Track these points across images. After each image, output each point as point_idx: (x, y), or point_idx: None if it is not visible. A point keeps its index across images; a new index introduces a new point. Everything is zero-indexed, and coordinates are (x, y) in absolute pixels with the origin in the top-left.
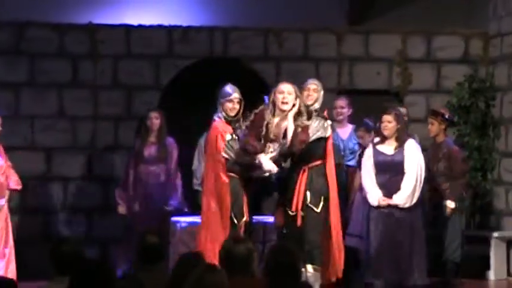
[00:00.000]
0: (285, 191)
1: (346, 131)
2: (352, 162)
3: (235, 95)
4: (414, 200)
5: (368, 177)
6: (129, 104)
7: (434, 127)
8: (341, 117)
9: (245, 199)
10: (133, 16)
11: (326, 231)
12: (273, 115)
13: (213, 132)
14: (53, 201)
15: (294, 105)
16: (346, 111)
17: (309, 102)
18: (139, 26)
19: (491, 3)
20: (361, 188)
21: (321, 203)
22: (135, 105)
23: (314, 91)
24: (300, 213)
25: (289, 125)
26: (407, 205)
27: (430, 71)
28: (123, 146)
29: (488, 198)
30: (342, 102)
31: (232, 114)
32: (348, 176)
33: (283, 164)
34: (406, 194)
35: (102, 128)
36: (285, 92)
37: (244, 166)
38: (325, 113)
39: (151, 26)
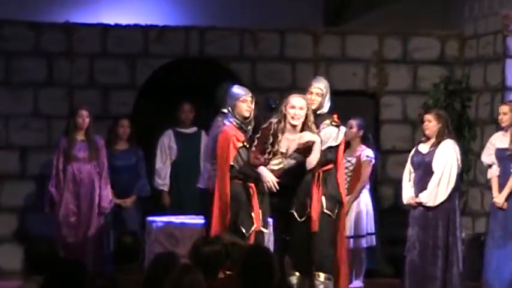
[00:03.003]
0: (292, 195)
1: None
2: None
3: (248, 94)
4: (438, 200)
5: (404, 176)
6: (104, 104)
7: None
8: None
9: (255, 206)
10: (110, 15)
11: (339, 238)
12: (283, 128)
13: (224, 138)
14: (28, 200)
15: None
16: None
17: (313, 107)
18: (116, 25)
19: (467, 4)
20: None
21: (336, 209)
22: (110, 104)
23: (317, 95)
24: (317, 219)
25: (317, 142)
26: (429, 204)
27: (406, 72)
28: None
29: (464, 199)
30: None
31: (248, 114)
32: None
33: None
34: (428, 192)
35: None
36: (297, 107)
37: (247, 177)
38: (336, 117)
39: (127, 26)
